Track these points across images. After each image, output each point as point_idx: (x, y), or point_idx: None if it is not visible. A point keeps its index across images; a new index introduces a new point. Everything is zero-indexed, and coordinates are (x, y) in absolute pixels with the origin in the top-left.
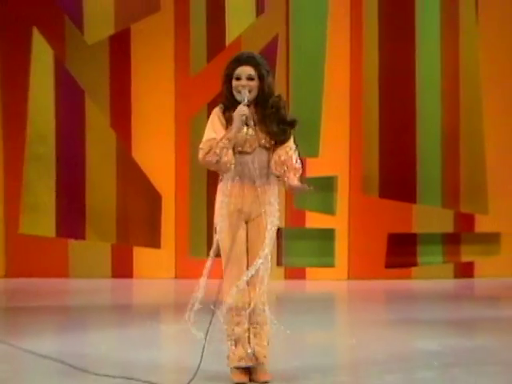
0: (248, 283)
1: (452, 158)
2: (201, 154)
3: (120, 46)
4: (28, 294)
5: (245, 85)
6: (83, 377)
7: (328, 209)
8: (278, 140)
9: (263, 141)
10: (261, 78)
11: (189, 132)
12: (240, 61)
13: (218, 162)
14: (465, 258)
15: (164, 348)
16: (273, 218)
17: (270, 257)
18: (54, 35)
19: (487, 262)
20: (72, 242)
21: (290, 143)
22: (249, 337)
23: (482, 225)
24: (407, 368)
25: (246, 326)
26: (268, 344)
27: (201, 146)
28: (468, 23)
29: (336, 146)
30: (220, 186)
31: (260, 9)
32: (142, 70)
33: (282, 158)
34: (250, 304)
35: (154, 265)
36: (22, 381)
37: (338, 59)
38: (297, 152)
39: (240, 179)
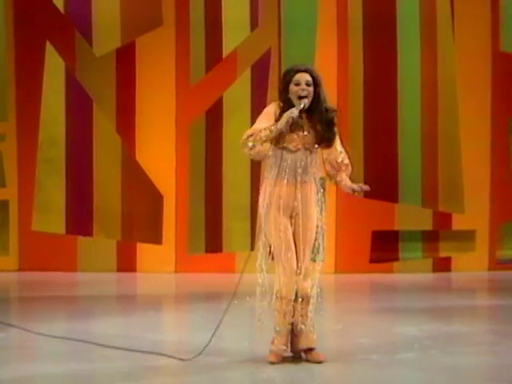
0: (298, 275)
1: (431, 161)
2: (244, 137)
3: (126, 57)
4: (40, 285)
5: (304, 89)
6: (89, 355)
7: None
8: (324, 144)
9: (308, 144)
10: (317, 85)
11: (188, 137)
12: (299, 69)
13: (253, 147)
14: (443, 254)
15: (164, 332)
16: (315, 215)
17: (318, 251)
18: (65, 48)
19: (463, 257)
20: (80, 239)
21: (338, 145)
22: (292, 329)
23: (459, 223)
24: (390, 349)
25: (291, 317)
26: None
27: (248, 130)
28: (445, 38)
29: None
30: (266, 179)
31: (254, 23)
32: (146, 79)
33: (339, 161)
34: (298, 295)
35: (156, 260)
36: (39, 360)
37: (325, 69)
38: (344, 151)
39: (281, 175)
